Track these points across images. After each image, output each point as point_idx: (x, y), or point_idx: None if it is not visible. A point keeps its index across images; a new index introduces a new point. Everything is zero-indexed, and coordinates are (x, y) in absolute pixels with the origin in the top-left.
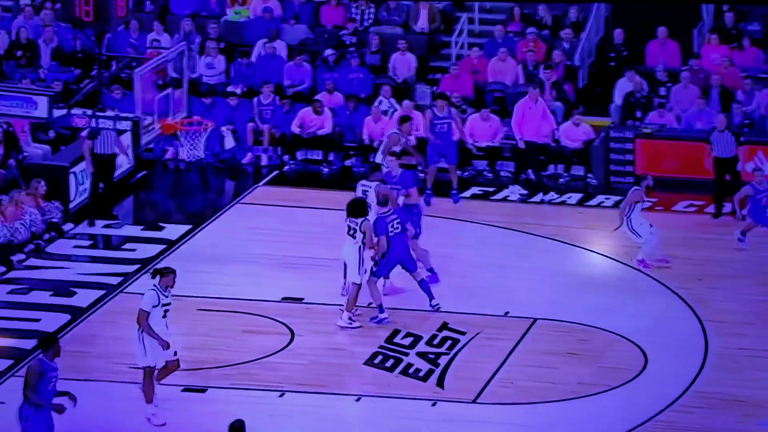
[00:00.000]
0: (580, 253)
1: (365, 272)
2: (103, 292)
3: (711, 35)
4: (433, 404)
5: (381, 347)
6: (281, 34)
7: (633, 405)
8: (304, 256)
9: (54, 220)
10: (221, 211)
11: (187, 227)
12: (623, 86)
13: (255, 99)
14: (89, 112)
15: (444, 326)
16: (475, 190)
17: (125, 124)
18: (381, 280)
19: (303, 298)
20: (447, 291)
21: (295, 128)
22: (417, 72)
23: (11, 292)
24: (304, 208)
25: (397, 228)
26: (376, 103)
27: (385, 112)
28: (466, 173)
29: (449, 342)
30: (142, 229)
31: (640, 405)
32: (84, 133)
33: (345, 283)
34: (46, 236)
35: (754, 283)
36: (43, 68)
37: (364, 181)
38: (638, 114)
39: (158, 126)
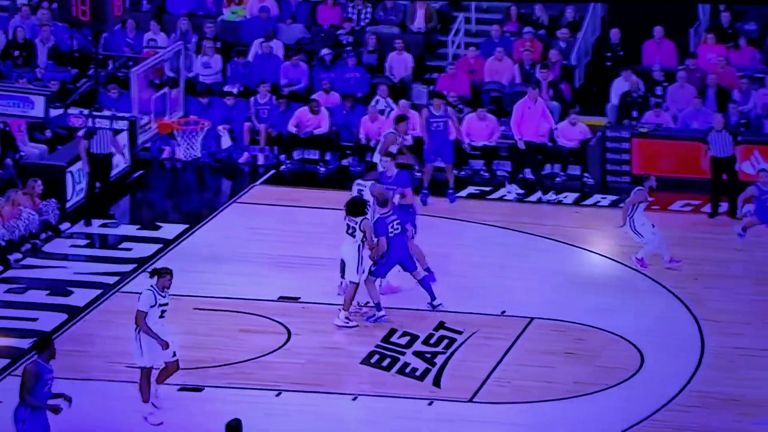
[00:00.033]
0: (577, 252)
1: (363, 272)
2: (99, 291)
3: (707, 35)
4: (430, 403)
5: (378, 346)
6: (278, 33)
7: (630, 404)
8: (301, 255)
9: (50, 219)
10: (218, 211)
11: (184, 227)
12: (620, 86)
13: (252, 98)
14: (86, 111)
15: (441, 325)
16: (471, 189)
17: (122, 124)
18: (377, 279)
19: (299, 297)
20: (445, 291)
21: (291, 128)
22: (414, 71)
23: (8, 291)
24: (301, 207)
25: (397, 229)
26: (372, 103)
27: (381, 112)
28: (463, 173)
29: (446, 341)
30: (138, 229)
31: (637, 404)
32: (80, 133)
33: (342, 283)
34: (43, 235)
35: (751, 282)
36: (39, 68)
37: (359, 181)
38: (635, 113)
39: (155, 125)
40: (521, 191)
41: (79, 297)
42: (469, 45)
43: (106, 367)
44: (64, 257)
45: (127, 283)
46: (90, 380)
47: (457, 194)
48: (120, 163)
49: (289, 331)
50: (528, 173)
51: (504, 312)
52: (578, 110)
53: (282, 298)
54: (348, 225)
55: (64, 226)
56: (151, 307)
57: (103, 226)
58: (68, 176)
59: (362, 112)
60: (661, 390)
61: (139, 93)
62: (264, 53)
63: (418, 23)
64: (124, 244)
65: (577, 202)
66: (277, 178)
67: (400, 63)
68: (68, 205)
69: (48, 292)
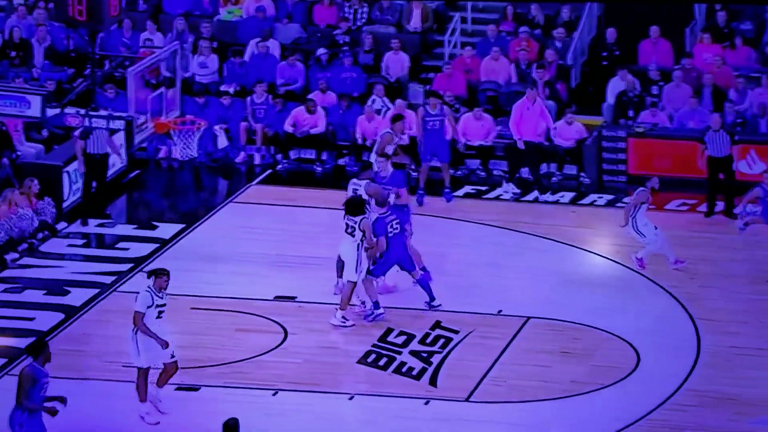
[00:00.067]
0: (574, 252)
1: (361, 271)
2: (96, 290)
3: (703, 34)
4: (426, 403)
5: (374, 346)
6: (274, 33)
7: (626, 403)
8: (298, 255)
9: (47, 219)
10: (214, 210)
11: (181, 226)
12: (616, 85)
13: (248, 98)
14: (82, 111)
15: (437, 325)
16: (467, 188)
17: (118, 124)
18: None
19: (296, 297)
20: (442, 290)
21: (288, 127)
22: (410, 71)
23: (5, 291)
24: (298, 207)
25: (396, 228)
26: (369, 102)
27: (378, 111)
28: (459, 172)
29: (442, 340)
30: (135, 228)
31: (633, 403)
32: (77, 133)
33: (338, 282)
34: (40, 235)
35: (747, 281)
36: (36, 67)
37: (355, 180)
38: (631, 113)
39: (151, 125)
40: (518, 191)
41: (76, 296)
42: (466, 44)
43: (103, 367)
44: (61, 257)
45: (124, 282)
46: (87, 380)
47: (454, 193)
48: (116, 162)
49: (286, 331)
50: (525, 173)
51: (500, 311)
52: (574, 110)
53: (278, 298)
54: (347, 224)
55: (61, 225)
56: (148, 307)
57: (100, 225)
58: (65, 176)
59: (359, 112)
60: (658, 389)
61: (135, 93)
62: (260, 53)
63: (415, 23)
64: (121, 244)
65: (573, 202)
66: (274, 178)
67: (396, 63)
68: (65, 204)
69: (45, 291)
